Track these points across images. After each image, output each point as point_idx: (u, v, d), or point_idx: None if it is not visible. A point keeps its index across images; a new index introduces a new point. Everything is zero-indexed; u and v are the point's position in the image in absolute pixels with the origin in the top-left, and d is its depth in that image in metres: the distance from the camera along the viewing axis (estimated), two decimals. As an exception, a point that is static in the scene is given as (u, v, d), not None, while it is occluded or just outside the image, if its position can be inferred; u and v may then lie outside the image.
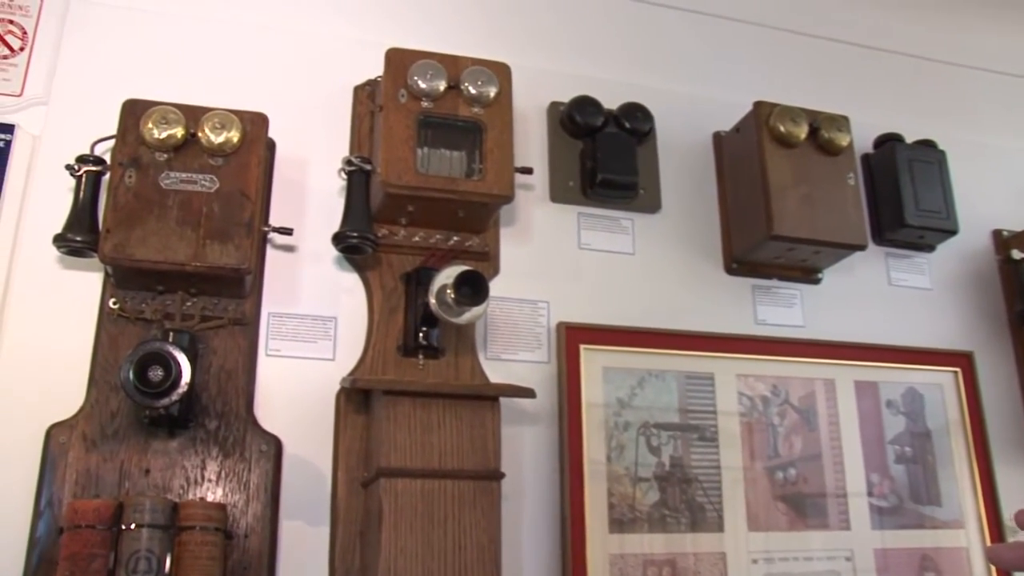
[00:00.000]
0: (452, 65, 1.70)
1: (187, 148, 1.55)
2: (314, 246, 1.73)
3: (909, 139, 2.21)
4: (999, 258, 2.30)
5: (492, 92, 1.71)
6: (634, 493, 1.77)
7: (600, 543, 1.71)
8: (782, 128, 1.91)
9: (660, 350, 1.88)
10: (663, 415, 1.84)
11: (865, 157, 2.23)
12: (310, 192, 1.77)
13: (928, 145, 2.21)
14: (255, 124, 1.60)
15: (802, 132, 1.92)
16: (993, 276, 2.29)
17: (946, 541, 2.02)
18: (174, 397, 1.40)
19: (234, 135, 1.56)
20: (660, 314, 1.91)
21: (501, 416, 1.64)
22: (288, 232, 1.67)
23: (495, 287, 1.74)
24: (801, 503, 1.91)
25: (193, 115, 1.56)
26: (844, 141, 1.95)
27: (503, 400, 1.67)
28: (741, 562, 1.82)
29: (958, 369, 2.15)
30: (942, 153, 2.20)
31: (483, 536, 1.55)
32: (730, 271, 2.03)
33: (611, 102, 1.98)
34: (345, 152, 1.78)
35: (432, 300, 1.60)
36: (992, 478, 2.07)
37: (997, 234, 2.33)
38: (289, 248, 1.73)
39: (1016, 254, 2.20)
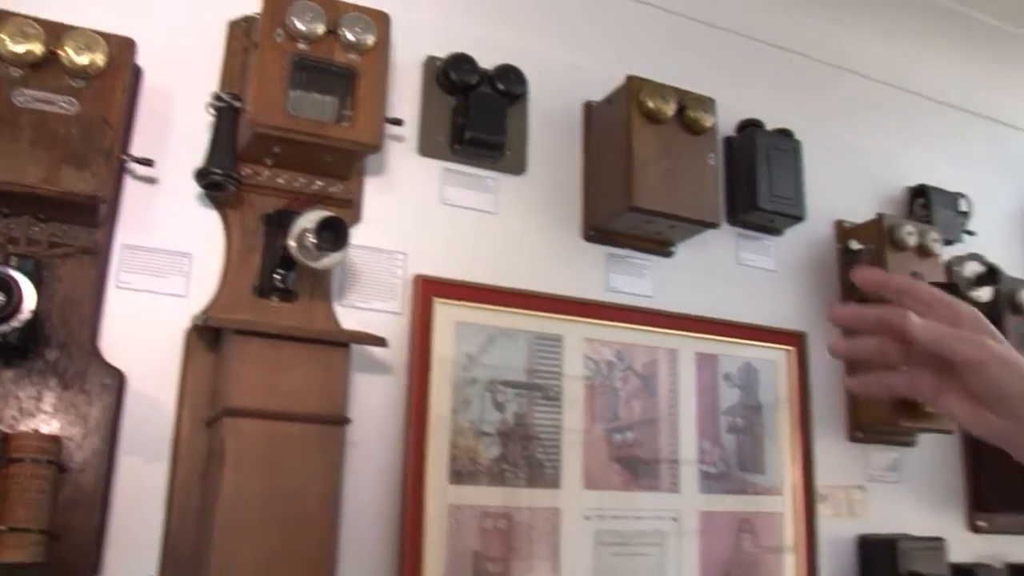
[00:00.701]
0: (332, 9, 1.68)
1: (46, 66, 1.47)
2: (175, 180, 1.69)
3: (769, 127, 2.30)
4: (838, 247, 2.43)
5: (370, 40, 1.69)
6: (476, 447, 1.82)
7: (439, 493, 1.76)
8: (651, 104, 1.95)
9: (512, 309, 1.92)
10: (510, 373, 1.89)
11: (727, 140, 2.30)
12: (175, 125, 1.72)
13: (786, 134, 2.30)
14: (122, 49, 1.54)
15: (670, 109, 1.97)
16: (832, 263, 2.42)
17: (764, 506, 2.16)
18: (15, 324, 1.36)
19: (99, 58, 1.50)
20: (515, 274, 1.95)
21: (352, 363, 1.67)
22: (149, 163, 1.63)
23: (355, 235, 1.74)
24: (635, 465, 2.00)
25: (54, 32, 1.49)
26: (708, 122, 2.01)
27: (356, 348, 1.69)
28: (574, 518, 1.90)
29: (792, 348, 2.28)
30: (798, 143, 2.29)
31: (325, 480, 1.58)
32: (587, 238, 2.07)
33: (487, 62, 1.98)
34: (215, 87, 1.74)
35: (292, 243, 1.60)
36: (810, 451, 2.23)
37: (839, 224, 2.46)
38: (149, 180, 1.68)
39: (854, 245, 2.33)
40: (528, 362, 1.92)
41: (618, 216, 1.99)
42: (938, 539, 2.28)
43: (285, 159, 1.70)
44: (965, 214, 2.63)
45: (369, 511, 1.72)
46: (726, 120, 2.20)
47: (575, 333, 1.99)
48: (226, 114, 1.66)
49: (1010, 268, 2.60)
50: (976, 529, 2.51)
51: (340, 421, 1.61)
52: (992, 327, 0.78)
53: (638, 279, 2.12)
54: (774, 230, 2.34)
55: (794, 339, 2.29)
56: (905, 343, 0.79)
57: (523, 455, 1.87)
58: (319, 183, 1.76)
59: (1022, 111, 2.97)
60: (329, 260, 1.62)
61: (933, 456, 2.48)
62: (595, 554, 1.91)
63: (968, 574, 2.29)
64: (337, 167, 1.74)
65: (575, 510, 1.91)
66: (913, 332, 0.77)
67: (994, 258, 2.55)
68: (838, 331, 2.35)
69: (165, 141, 1.70)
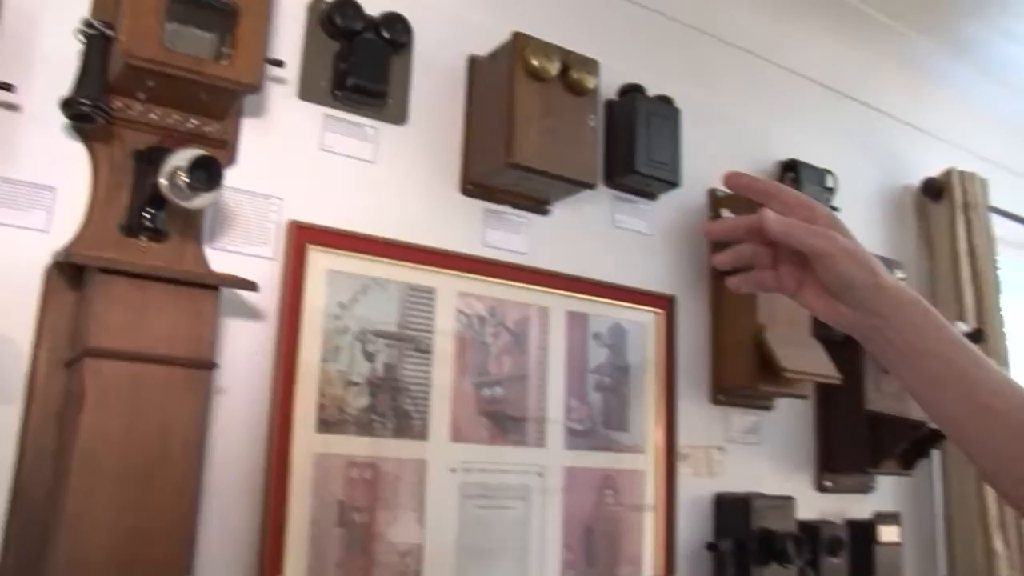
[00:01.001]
0: (213, -60, 1.63)
1: None
2: (39, 109, 1.60)
3: (651, 93, 2.33)
4: (711, 215, 2.50)
5: (254, -23, 1.65)
6: (345, 396, 1.82)
7: (306, 442, 1.75)
8: (535, 62, 1.95)
9: (386, 259, 1.91)
10: (382, 324, 1.89)
11: (608, 103, 2.32)
12: (40, 50, 1.63)
13: (666, 101, 2.34)
14: (-20, -36, 1.47)
15: (553, 69, 1.97)
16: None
17: (627, 464, 2.22)
18: None
19: (-46, -28, 1.43)
20: (392, 225, 1.93)
21: (221, 308, 1.64)
22: (8, 88, 1.54)
23: (229, 177, 1.69)
24: (503, 419, 2.03)
25: (-99, -59, 1.41)
26: (591, 84, 2.02)
27: (226, 292, 1.66)
28: (441, 470, 1.92)
29: (661, 311, 2.34)
30: (677, 111, 2.33)
31: (189, 426, 1.56)
32: (465, 192, 2.07)
33: (373, 8, 1.95)
34: (85, 12, 1.65)
35: (163, 181, 1.54)
36: (673, 411, 2.30)
37: (712, 193, 2.52)
38: (9, 107, 1.59)
39: (725, 213, 2.40)
40: (400, 313, 1.92)
41: (497, 172, 1.99)
42: (788, 498, 2.41)
43: (159, 94, 1.64)
44: (831, 190, 2.73)
45: (234, 458, 1.70)
46: (608, 83, 2.22)
47: (448, 286, 1.99)
48: (96, 42, 1.59)
49: (869, 245, 2.70)
50: (823, 488, 2.65)
51: (207, 366, 1.59)
52: (845, 226, 0.86)
53: (514, 236, 2.13)
54: (649, 194, 2.39)
55: (663, 302, 2.35)
56: (773, 246, 0.87)
57: (391, 406, 1.87)
58: (194, 121, 1.70)
59: (890, 97, 3.11)
60: (201, 200, 1.58)
61: (788, 420, 2.60)
62: (460, 506, 1.94)
63: (812, 530, 2.43)
64: (213, 106, 1.69)
65: (441, 462, 1.93)
66: (769, 227, 0.84)
67: (855, 234, 2.66)
68: (708, 295, 2.45)
69: (29, 66, 1.62)
